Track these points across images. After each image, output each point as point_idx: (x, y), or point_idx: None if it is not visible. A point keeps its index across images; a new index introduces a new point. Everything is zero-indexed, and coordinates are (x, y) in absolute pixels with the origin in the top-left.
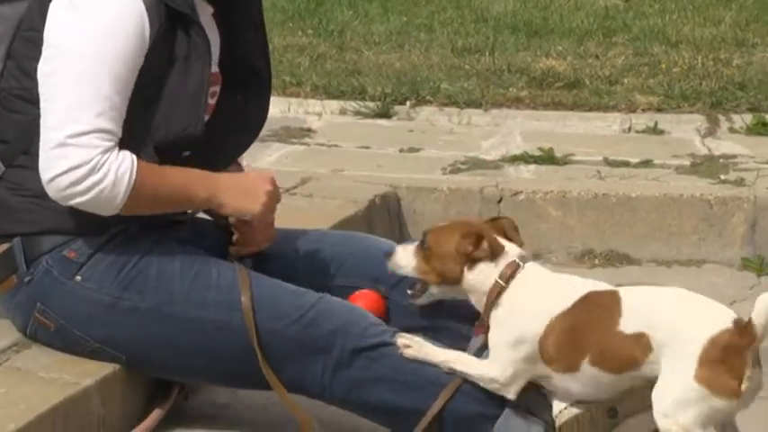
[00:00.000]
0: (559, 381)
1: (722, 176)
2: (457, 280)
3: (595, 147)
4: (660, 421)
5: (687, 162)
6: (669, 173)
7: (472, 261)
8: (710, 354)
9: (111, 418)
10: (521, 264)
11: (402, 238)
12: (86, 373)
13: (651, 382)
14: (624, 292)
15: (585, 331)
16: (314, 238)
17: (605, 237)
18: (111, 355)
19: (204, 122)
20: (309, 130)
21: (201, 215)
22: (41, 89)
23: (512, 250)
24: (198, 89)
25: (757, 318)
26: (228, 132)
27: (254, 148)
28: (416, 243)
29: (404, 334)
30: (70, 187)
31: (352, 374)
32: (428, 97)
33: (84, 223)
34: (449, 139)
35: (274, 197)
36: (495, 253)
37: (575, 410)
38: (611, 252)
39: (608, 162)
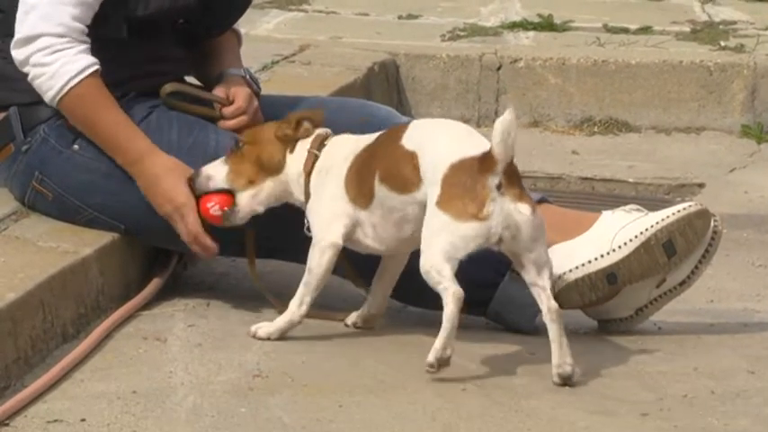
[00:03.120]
0: (368, 222)
1: (722, 43)
2: (279, 165)
3: (595, 13)
4: (421, 256)
5: (687, 28)
6: (669, 39)
7: (291, 144)
8: (450, 179)
9: (110, 288)
10: (329, 134)
11: (400, 105)
12: (85, 243)
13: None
14: (416, 120)
15: (374, 154)
16: (312, 104)
17: (604, 104)
18: (109, 224)
19: None
20: None
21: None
22: None
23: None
24: None
25: (494, 141)
26: None
27: (253, 15)
28: (224, 156)
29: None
30: (19, 53)
31: None
32: None
33: None
34: (447, 5)
35: (170, 216)
36: (314, 130)
37: (573, 276)
38: (611, 119)
39: (607, 29)
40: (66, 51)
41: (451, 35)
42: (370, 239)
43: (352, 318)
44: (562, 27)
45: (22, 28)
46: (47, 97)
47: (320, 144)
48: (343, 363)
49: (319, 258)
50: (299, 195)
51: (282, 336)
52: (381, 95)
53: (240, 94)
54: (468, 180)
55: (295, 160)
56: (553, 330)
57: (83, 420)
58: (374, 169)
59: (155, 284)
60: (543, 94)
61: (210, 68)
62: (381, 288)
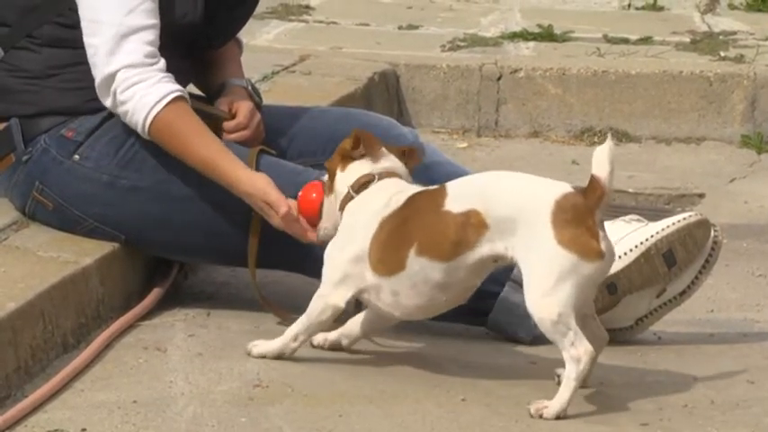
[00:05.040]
0: (388, 289)
1: (722, 53)
2: (332, 172)
3: (595, 23)
4: (535, 306)
5: (687, 39)
6: (669, 49)
7: (346, 159)
8: (562, 217)
9: (111, 298)
10: (375, 176)
11: (401, 115)
12: (85, 252)
13: (488, 264)
14: (451, 182)
15: (409, 223)
16: (313, 115)
17: (604, 114)
18: (109, 235)
19: (203, 7)
20: (308, 7)
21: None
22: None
23: (381, 163)
24: None
25: (598, 171)
26: (226, 7)
27: (254, 25)
28: None
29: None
30: (106, 99)
31: None
32: None
33: (81, 103)
34: (448, 15)
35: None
36: (367, 154)
37: None
38: (611, 129)
39: (607, 39)
40: (141, 84)
41: (452, 45)
42: (383, 304)
43: (318, 339)
44: (562, 37)
45: (97, 72)
46: (139, 130)
47: (361, 186)
48: (343, 372)
49: (319, 314)
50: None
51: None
52: (382, 106)
53: (242, 109)
54: (581, 216)
55: (341, 181)
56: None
57: (83, 430)
58: (409, 241)
59: (155, 294)
60: (543, 105)
61: (212, 78)
62: (361, 333)
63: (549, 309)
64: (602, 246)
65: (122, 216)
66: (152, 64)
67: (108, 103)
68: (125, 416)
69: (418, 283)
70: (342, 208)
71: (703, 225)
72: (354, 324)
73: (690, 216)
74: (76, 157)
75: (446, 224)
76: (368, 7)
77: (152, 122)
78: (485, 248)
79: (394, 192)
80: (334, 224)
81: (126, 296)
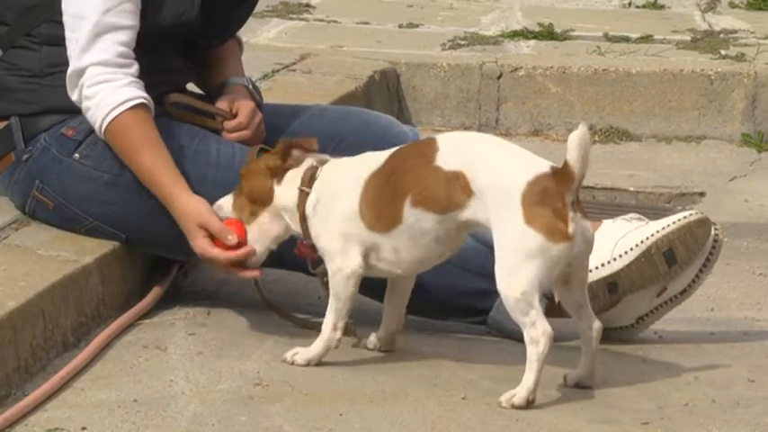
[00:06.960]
0: (389, 247)
1: (722, 52)
2: (268, 197)
3: (595, 22)
4: (500, 284)
5: (687, 37)
6: (669, 48)
7: (280, 174)
8: (532, 198)
9: (111, 296)
10: (318, 166)
11: (401, 114)
12: (86, 251)
13: (474, 226)
14: (441, 136)
15: (402, 174)
16: (313, 113)
17: (605, 113)
18: (109, 233)
19: (200, 6)
20: (308, 5)
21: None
22: None
23: (309, 158)
24: None
25: (571, 157)
26: (225, 7)
27: (254, 23)
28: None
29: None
30: (73, 91)
31: None
32: None
33: None
34: (448, 14)
35: (199, 249)
36: (300, 159)
37: None
38: (611, 128)
39: (608, 37)
40: (109, 83)
41: (452, 44)
42: (385, 263)
43: (373, 341)
44: (563, 36)
45: (71, 64)
46: (96, 127)
47: (310, 179)
48: (343, 371)
49: (344, 286)
50: (296, 229)
51: (320, 361)
52: (382, 104)
53: (244, 109)
54: (550, 198)
55: (284, 193)
56: (591, 347)
57: (83, 429)
58: (402, 194)
59: (155, 293)
60: (544, 103)
61: (213, 77)
62: (395, 306)
63: (513, 287)
64: (572, 228)
65: (122, 215)
66: (123, 66)
67: (74, 96)
68: (125, 414)
69: (415, 235)
70: (302, 207)
71: (704, 224)
72: (387, 316)
73: (690, 215)
74: (77, 155)
75: (438, 178)
76: (368, 6)
77: (109, 123)
78: (470, 212)
79: (359, 159)
80: (264, 246)
81: (126, 295)
